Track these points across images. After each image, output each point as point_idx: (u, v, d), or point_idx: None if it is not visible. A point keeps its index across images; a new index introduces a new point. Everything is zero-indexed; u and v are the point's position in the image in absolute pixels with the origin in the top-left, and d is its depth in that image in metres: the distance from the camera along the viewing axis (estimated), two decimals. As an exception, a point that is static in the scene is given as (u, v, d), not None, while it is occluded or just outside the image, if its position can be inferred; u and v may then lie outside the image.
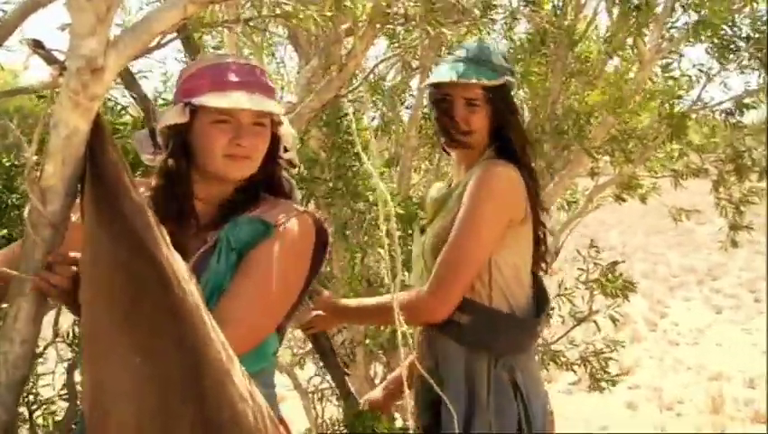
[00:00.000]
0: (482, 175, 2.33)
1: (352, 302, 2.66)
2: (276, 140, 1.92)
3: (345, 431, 2.34)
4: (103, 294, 1.47)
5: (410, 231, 3.09)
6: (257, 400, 1.57)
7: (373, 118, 3.98)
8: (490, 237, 2.33)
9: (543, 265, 2.56)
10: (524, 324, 2.42)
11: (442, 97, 2.47)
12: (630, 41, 3.85)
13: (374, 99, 3.69)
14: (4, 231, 1.67)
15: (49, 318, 1.94)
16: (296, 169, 2.12)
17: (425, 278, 2.41)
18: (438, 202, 2.50)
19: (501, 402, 2.35)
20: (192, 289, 1.52)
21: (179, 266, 1.52)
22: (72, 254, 1.54)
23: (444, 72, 2.48)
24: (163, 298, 1.47)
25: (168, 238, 1.54)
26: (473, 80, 2.40)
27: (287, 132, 1.93)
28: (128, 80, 2.33)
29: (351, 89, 2.30)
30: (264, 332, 1.84)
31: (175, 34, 1.94)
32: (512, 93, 2.53)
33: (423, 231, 2.58)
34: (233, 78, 1.84)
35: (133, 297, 1.47)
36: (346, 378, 2.63)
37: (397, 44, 3.48)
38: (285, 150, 1.95)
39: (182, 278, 1.50)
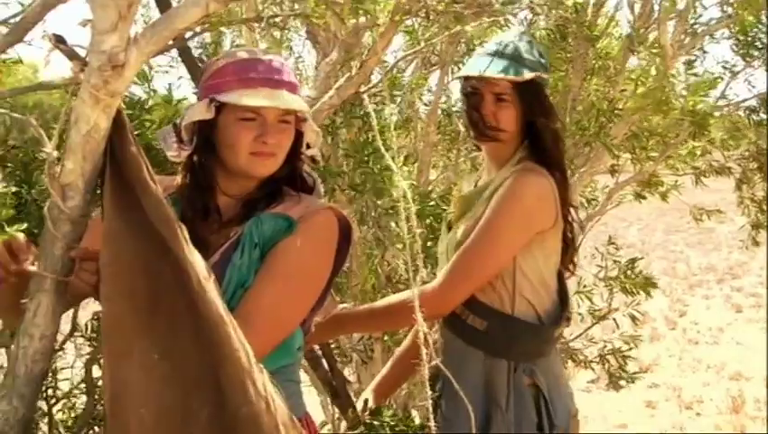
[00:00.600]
0: (514, 185, 2.29)
1: (360, 309, 2.60)
2: (299, 136, 1.92)
3: (362, 428, 2.33)
4: (122, 290, 1.47)
5: (428, 227, 3.08)
6: (275, 398, 1.56)
7: (392, 114, 3.96)
8: (509, 247, 2.30)
9: (571, 266, 2.53)
10: (543, 332, 2.39)
11: (471, 90, 2.43)
12: (652, 36, 3.82)
13: (393, 94, 3.67)
14: (24, 225, 1.68)
15: (67, 312, 1.94)
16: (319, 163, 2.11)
17: (448, 258, 2.41)
18: (466, 201, 2.46)
19: (520, 407, 2.31)
20: (210, 287, 1.52)
21: (198, 263, 1.52)
22: (95, 249, 1.54)
23: (473, 66, 2.44)
24: (182, 296, 1.47)
25: (187, 234, 1.54)
26: (500, 75, 2.35)
27: (311, 128, 1.92)
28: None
29: (370, 85, 2.28)
30: (290, 326, 1.83)
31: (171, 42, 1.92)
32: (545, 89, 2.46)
33: (450, 226, 2.55)
34: (259, 75, 1.83)
35: (152, 294, 1.47)
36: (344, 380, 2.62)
37: (416, 40, 3.46)
38: (308, 147, 1.94)
39: (201, 276, 1.50)
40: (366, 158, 2.62)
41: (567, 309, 2.47)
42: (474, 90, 2.42)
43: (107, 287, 1.46)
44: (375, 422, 2.32)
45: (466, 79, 2.46)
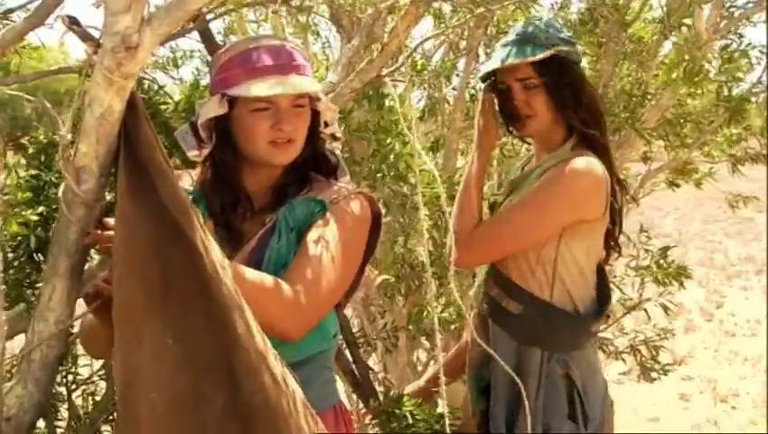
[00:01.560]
0: (571, 168, 2.26)
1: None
2: (316, 116, 1.91)
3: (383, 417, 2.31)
4: (134, 272, 1.45)
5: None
6: (291, 385, 1.54)
7: (419, 100, 3.93)
8: (550, 223, 2.29)
9: (615, 253, 2.48)
10: (582, 323, 2.36)
11: (500, 85, 2.42)
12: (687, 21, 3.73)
13: (420, 80, 3.63)
14: (42, 208, 1.68)
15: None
16: (340, 150, 2.10)
17: None
18: (513, 184, 2.46)
19: (551, 398, 2.30)
20: (224, 272, 1.50)
21: (213, 248, 1.50)
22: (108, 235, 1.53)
23: (493, 60, 2.43)
24: (195, 279, 1.45)
25: (201, 218, 1.52)
26: (517, 60, 2.32)
27: (326, 106, 1.91)
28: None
29: (392, 68, 2.25)
30: (331, 298, 1.82)
31: (192, 24, 1.90)
32: (574, 61, 2.40)
33: (492, 207, 2.52)
34: (265, 63, 1.82)
35: (164, 276, 1.46)
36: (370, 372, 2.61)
37: (443, 24, 3.42)
38: (327, 124, 1.93)
39: (215, 261, 1.49)
40: (385, 144, 2.60)
41: (607, 304, 2.43)
42: (502, 84, 2.40)
43: (119, 269, 1.45)
44: (396, 411, 2.30)
45: (492, 76, 2.44)
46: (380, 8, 2.12)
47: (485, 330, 2.41)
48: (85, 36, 1.46)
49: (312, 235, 1.81)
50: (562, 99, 2.34)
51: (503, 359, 2.28)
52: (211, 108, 1.83)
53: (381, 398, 2.40)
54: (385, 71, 2.18)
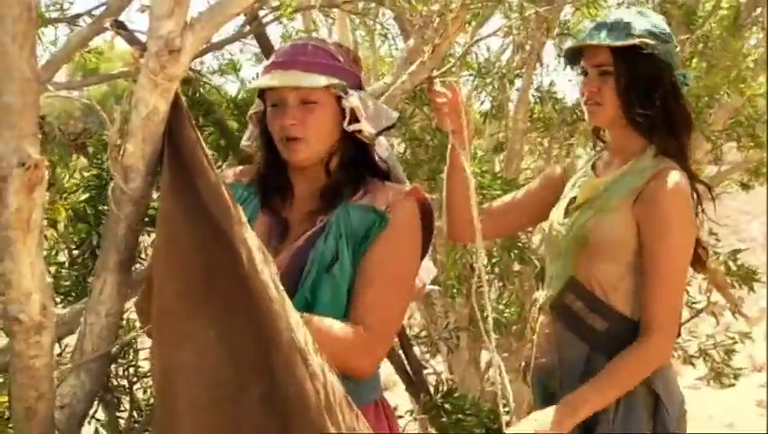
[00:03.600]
0: (674, 202, 2.15)
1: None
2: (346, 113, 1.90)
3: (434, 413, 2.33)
4: (177, 274, 1.50)
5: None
6: (330, 380, 1.57)
7: (482, 102, 3.93)
8: (687, 264, 2.23)
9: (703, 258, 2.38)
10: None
11: (582, 72, 2.31)
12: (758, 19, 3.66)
13: (483, 82, 3.64)
14: (86, 195, 1.77)
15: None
16: (400, 151, 2.12)
17: (561, 247, 2.33)
18: (592, 189, 2.31)
19: (630, 413, 2.21)
20: (264, 268, 1.54)
21: (253, 246, 1.54)
22: None
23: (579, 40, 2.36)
24: (236, 279, 1.49)
25: (243, 216, 1.56)
26: (593, 42, 2.22)
27: (355, 103, 1.88)
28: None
29: (443, 69, 2.26)
30: (396, 329, 1.88)
31: (248, 28, 1.97)
32: (665, 62, 2.23)
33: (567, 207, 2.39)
34: (276, 59, 1.88)
35: (207, 276, 1.50)
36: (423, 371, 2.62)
37: (506, 25, 3.41)
38: (356, 121, 1.90)
39: (256, 257, 1.52)
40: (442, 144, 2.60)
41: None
42: (584, 70, 2.31)
43: (161, 269, 1.50)
44: (447, 406, 2.32)
45: (573, 61, 2.35)
46: (431, 11, 2.13)
47: (559, 340, 2.33)
48: (131, 40, 1.52)
49: (376, 257, 1.82)
50: (632, 93, 2.21)
51: (572, 366, 2.26)
52: (256, 103, 1.91)
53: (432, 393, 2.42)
54: (436, 73, 2.18)
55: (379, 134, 1.94)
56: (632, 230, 2.19)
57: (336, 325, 1.74)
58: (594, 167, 2.40)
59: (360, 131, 1.90)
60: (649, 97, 2.22)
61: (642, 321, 2.18)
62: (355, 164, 1.93)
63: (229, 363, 1.49)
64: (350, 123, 1.89)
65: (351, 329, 1.75)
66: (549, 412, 2.14)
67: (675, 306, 2.20)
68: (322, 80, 1.85)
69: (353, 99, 1.88)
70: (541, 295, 2.45)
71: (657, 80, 2.22)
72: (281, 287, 1.56)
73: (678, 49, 2.37)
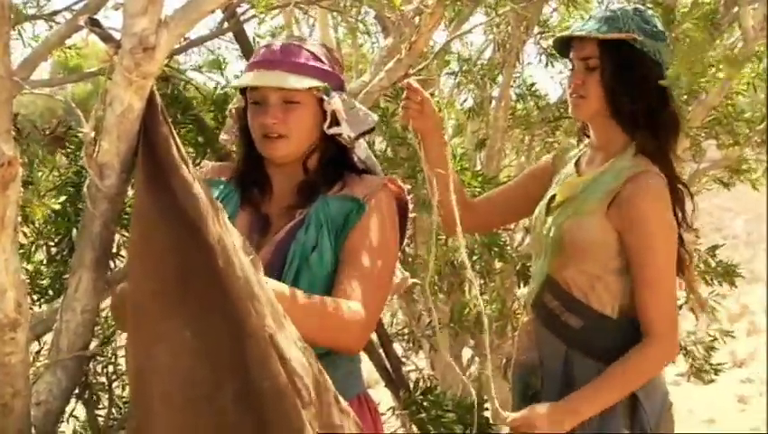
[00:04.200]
0: (652, 208, 2.15)
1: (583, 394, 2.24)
2: (327, 115, 1.92)
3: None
4: (152, 271, 1.50)
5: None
6: (316, 378, 1.58)
7: (464, 100, 3.95)
8: (674, 263, 2.22)
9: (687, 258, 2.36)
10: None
11: (570, 64, 2.31)
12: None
13: (465, 79, 3.65)
14: (63, 198, 1.78)
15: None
16: (380, 148, 2.13)
17: (542, 245, 2.33)
18: (571, 187, 2.32)
19: (606, 415, 2.21)
20: (241, 261, 1.54)
21: (231, 243, 1.55)
22: None
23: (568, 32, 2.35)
24: (211, 277, 1.50)
25: (223, 214, 1.57)
26: (579, 33, 2.21)
27: (337, 106, 1.91)
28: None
29: (419, 67, 2.27)
30: (381, 308, 1.92)
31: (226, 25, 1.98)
32: (654, 59, 2.21)
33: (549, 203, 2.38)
34: (259, 58, 1.90)
35: (183, 275, 1.50)
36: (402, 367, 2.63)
37: (485, 23, 3.42)
38: (337, 124, 1.92)
39: (231, 252, 1.53)
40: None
41: None
42: (571, 63, 2.30)
43: (136, 268, 1.51)
44: (426, 402, 2.33)
45: (563, 54, 2.36)
46: (407, 9, 2.14)
47: (539, 337, 2.35)
48: (106, 38, 1.52)
49: (356, 241, 1.86)
50: (616, 87, 2.20)
51: (552, 364, 2.27)
52: (237, 99, 1.95)
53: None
54: (413, 71, 2.19)
55: (358, 137, 1.97)
56: (608, 232, 2.20)
57: (327, 302, 1.77)
58: (577, 164, 2.41)
59: (339, 134, 1.93)
60: (633, 93, 2.20)
61: (642, 327, 2.19)
62: (333, 163, 1.97)
63: (205, 362, 1.50)
64: (330, 126, 1.92)
65: (341, 306, 1.77)
66: (551, 409, 2.16)
67: (670, 309, 2.20)
68: (305, 82, 1.88)
69: (335, 102, 1.91)
70: (524, 292, 2.47)
71: (643, 77, 2.21)
72: (265, 285, 1.57)
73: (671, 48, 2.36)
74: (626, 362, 2.18)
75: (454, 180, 2.29)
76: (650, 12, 2.30)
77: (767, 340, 8.46)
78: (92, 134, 1.55)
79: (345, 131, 1.92)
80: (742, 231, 17.57)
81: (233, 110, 1.99)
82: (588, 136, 2.42)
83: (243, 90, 1.97)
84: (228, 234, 1.56)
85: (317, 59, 1.92)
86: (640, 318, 2.19)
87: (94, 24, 1.54)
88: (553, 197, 2.37)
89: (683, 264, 2.31)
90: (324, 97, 1.91)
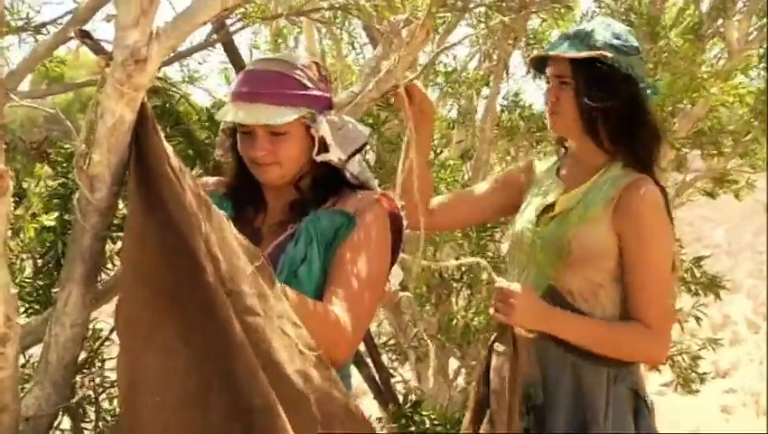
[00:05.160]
0: (650, 210, 2.19)
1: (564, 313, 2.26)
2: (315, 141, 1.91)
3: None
4: (144, 283, 1.50)
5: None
6: (316, 386, 1.59)
7: (450, 110, 3.96)
8: (671, 267, 2.25)
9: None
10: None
11: (547, 80, 2.34)
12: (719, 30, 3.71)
13: (451, 90, 3.66)
14: (56, 214, 1.75)
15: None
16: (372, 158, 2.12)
17: (524, 254, 2.35)
18: (565, 202, 2.32)
19: (618, 417, 2.22)
20: (235, 273, 1.54)
21: (226, 256, 1.55)
22: None
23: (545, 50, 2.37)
24: (199, 288, 1.50)
25: (224, 224, 1.57)
26: (553, 53, 2.25)
27: (324, 132, 1.89)
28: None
29: (410, 78, 2.27)
30: (369, 322, 1.91)
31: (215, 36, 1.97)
32: (627, 74, 2.24)
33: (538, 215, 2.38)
34: (240, 89, 1.88)
35: (173, 285, 1.50)
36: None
37: (473, 34, 3.44)
38: (326, 149, 1.91)
39: (223, 265, 1.53)
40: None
41: None
42: (548, 79, 2.34)
43: (128, 277, 1.50)
44: (415, 416, 2.32)
45: (541, 70, 2.38)
46: (397, 19, 2.14)
47: (541, 349, 2.28)
48: (97, 49, 1.51)
49: (345, 254, 1.85)
50: (589, 104, 2.23)
51: (558, 377, 2.26)
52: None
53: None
54: (403, 81, 2.19)
55: (349, 158, 1.95)
56: (612, 239, 2.21)
57: (318, 307, 1.76)
58: (558, 174, 2.42)
59: (330, 162, 1.92)
60: (607, 108, 2.23)
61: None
62: (326, 182, 1.96)
63: (196, 370, 1.50)
64: (318, 152, 1.90)
65: (329, 315, 1.76)
66: (534, 302, 2.17)
67: (668, 310, 2.23)
68: (288, 115, 1.85)
69: (322, 128, 1.89)
70: None
71: (616, 93, 2.23)
72: (269, 293, 1.57)
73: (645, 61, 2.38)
74: (621, 327, 2.21)
75: (428, 179, 2.39)
76: (621, 26, 2.31)
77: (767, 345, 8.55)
78: (83, 146, 1.54)
79: (335, 155, 1.90)
80: (722, 240, 17.69)
81: (225, 129, 1.97)
82: (566, 148, 2.46)
83: None
84: (225, 248, 1.56)
85: (300, 84, 1.88)
86: (638, 318, 2.20)
87: (85, 36, 1.53)
88: (546, 209, 2.37)
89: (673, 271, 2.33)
90: (311, 123, 1.89)
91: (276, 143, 1.86)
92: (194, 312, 1.49)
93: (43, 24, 2.41)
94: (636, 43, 2.31)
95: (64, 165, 2.17)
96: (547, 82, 2.35)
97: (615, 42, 2.24)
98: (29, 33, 2.35)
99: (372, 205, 1.90)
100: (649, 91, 2.30)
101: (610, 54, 2.22)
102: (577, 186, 2.32)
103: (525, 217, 2.41)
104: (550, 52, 2.30)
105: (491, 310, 2.19)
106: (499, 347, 2.17)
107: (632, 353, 2.22)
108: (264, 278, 1.60)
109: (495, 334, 2.23)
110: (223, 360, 1.48)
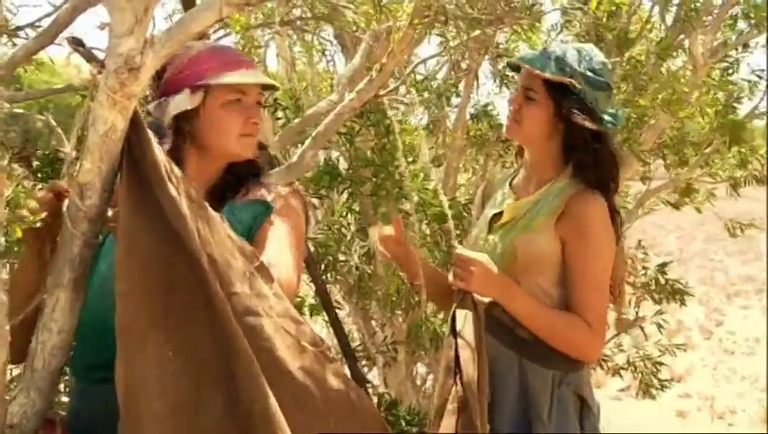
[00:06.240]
0: (593, 218, 2.28)
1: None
2: None
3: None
4: (139, 286, 1.51)
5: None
6: (320, 381, 1.61)
7: (420, 118, 3.99)
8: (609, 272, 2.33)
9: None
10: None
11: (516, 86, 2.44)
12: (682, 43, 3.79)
13: (421, 99, 3.68)
14: (43, 214, 1.75)
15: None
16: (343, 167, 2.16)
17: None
18: (512, 211, 2.41)
19: (561, 419, 2.29)
20: (233, 276, 1.56)
21: (225, 260, 1.56)
22: None
23: (520, 56, 2.46)
24: (197, 291, 1.51)
25: (223, 229, 1.59)
26: (526, 65, 2.33)
27: None
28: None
29: (390, 88, 2.30)
30: (296, 289, 1.93)
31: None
32: (592, 105, 2.33)
33: (490, 223, 2.47)
34: (238, 57, 1.95)
35: (167, 287, 1.51)
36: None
37: (444, 45, 3.47)
38: None
39: (222, 267, 1.54)
40: (386, 163, 2.64)
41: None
42: (517, 83, 2.43)
43: (123, 281, 1.50)
44: (390, 417, 2.34)
45: (515, 70, 2.46)
46: (379, 29, 2.16)
47: (493, 353, 2.33)
48: (89, 57, 1.52)
49: (267, 232, 1.90)
50: (549, 124, 2.34)
51: (506, 376, 2.32)
52: (182, 103, 1.90)
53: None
54: (382, 92, 2.21)
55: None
56: (556, 246, 2.30)
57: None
58: (511, 185, 2.51)
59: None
60: (566, 133, 2.34)
61: None
62: (246, 164, 2.02)
63: (187, 376, 1.51)
64: None
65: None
66: (494, 274, 2.25)
67: (604, 313, 2.31)
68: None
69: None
70: None
71: (573, 120, 2.31)
72: (267, 291, 1.58)
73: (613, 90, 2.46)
74: (563, 315, 2.28)
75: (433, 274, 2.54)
76: (601, 60, 2.38)
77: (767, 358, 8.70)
78: (74, 153, 1.54)
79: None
80: (674, 247, 17.96)
81: (173, 115, 1.91)
82: (522, 155, 2.55)
83: (201, 88, 1.91)
84: (223, 247, 1.57)
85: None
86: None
87: (77, 44, 1.53)
88: (495, 217, 2.47)
89: (615, 282, 2.42)
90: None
91: (260, 113, 1.96)
92: (190, 316, 1.50)
93: (20, 28, 2.38)
94: (610, 81, 2.40)
95: (44, 169, 2.16)
96: (516, 88, 2.43)
97: (589, 74, 2.33)
98: (6, 35, 2.32)
99: (287, 193, 2.00)
100: (610, 125, 2.38)
101: (580, 85, 2.31)
102: (527, 196, 2.41)
103: (479, 225, 2.52)
104: (526, 63, 2.36)
105: (450, 276, 2.27)
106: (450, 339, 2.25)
107: (566, 342, 2.28)
108: (263, 278, 1.62)
109: (457, 300, 2.29)
110: (222, 364, 1.49)
